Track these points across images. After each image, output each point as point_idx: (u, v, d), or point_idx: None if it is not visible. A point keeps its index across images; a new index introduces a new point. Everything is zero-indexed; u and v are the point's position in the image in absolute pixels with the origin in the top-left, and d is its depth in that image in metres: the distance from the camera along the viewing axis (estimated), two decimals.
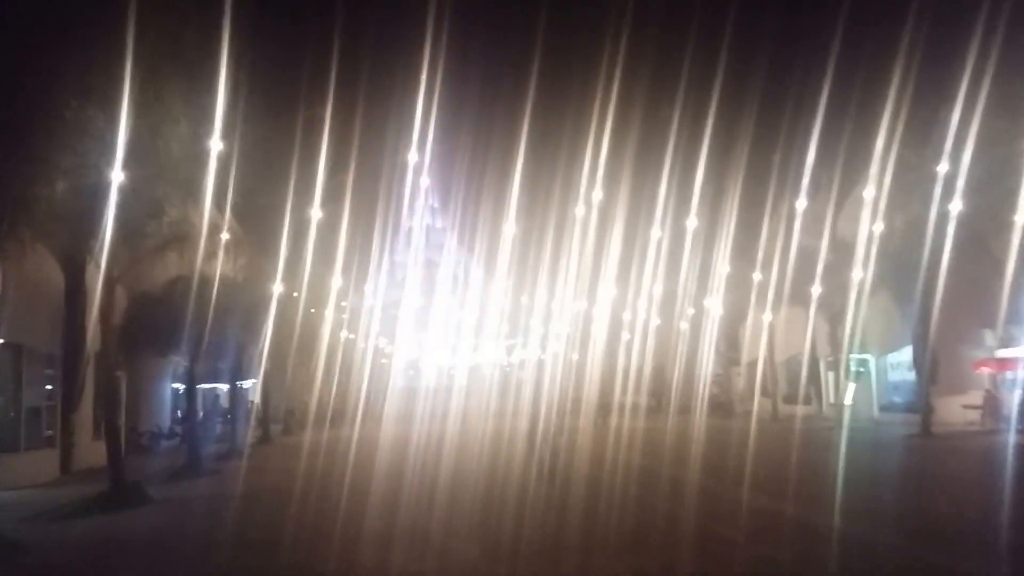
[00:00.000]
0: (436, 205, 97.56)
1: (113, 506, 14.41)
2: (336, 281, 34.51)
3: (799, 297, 31.65)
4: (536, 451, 18.51)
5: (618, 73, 26.82)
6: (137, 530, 13.18)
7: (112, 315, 16.15)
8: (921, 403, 25.57)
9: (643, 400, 40.03)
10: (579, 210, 30.94)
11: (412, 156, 23.95)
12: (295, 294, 31.46)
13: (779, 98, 27.38)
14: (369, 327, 44.49)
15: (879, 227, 26.15)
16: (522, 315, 51.08)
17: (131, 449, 25.96)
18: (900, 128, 23.63)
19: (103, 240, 15.93)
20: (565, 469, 17.72)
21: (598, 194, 30.49)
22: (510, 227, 39.07)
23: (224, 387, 30.84)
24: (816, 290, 29.89)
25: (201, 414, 34.00)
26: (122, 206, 14.93)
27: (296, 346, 32.17)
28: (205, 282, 21.99)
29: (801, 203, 29.05)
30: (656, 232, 34.44)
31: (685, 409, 37.71)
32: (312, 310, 32.06)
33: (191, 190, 17.47)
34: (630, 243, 35.67)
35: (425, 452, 23.10)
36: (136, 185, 15.02)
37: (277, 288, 27.37)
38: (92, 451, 22.02)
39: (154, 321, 21.64)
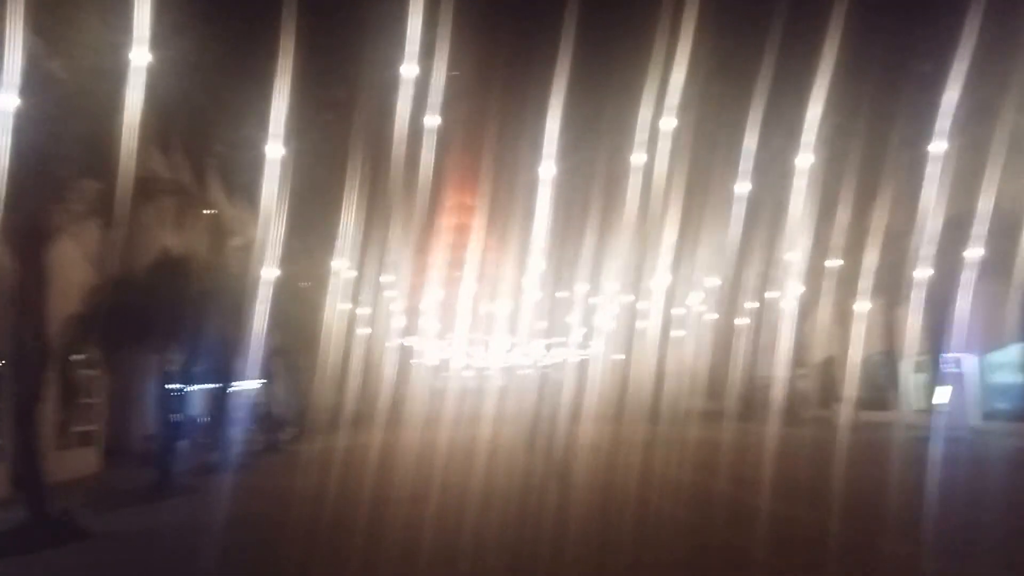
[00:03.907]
0: (470, 202, 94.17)
1: (24, 546, 10.81)
2: (355, 269, 31.16)
3: (878, 286, 27.54)
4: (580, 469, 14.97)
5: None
6: None
7: (33, 297, 12.47)
8: None
9: (697, 405, 35.95)
10: (628, 179, 26.68)
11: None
12: (305, 284, 28.13)
13: (870, 28, 22.76)
14: (392, 320, 41.02)
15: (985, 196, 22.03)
16: (561, 311, 47.28)
17: (116, 461, 22.62)
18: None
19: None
20: (623, 498, 14.15)
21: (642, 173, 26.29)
22: (546, 214, 35.27)
23: (232, 387, 27.42)
24: (906, 277, 25.64)
25: (208, 418, 30.66)
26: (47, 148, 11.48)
27: (310, 341, 28.79)
28: (194, 262, 18.71)
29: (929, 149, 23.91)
30: (711, 212, 30.44)
31: (745, 416, 33.75)
32: (327, 299, 28.50)
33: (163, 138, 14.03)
34: (684, 227, 31.60)
35: (455, 468, 19.55)
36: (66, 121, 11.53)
37: (284, 272, 24.01)
38: (58, 462, 18.61)
39: (132, 309, 18.02)
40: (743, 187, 27.50)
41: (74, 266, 19.06)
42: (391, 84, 18.69)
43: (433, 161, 25.03)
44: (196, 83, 19.33)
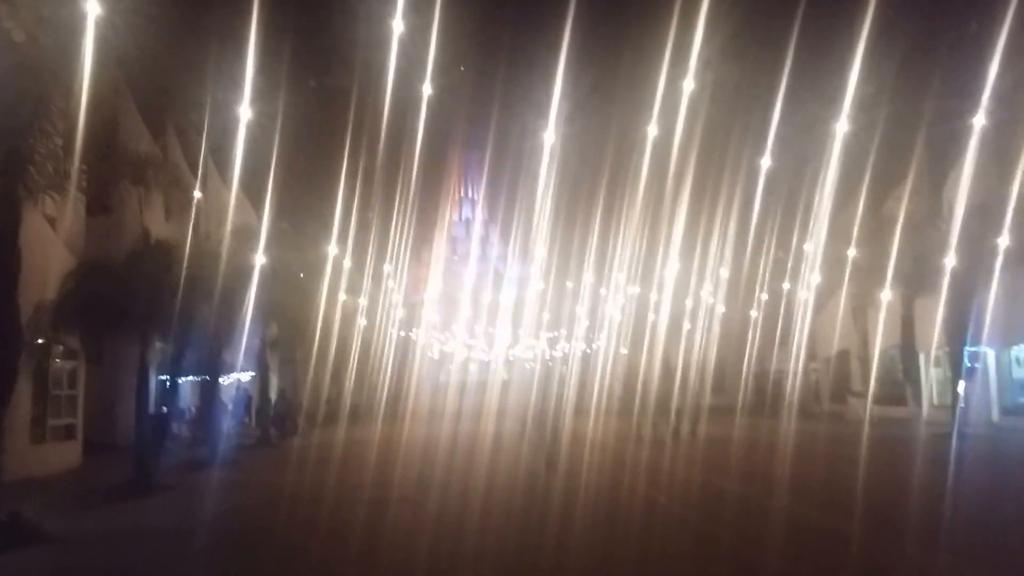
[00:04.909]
0: (476, 198, 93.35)
1: None
2: (355, 257, 30.30)
3: (896, 277, 26.44)
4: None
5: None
6: None
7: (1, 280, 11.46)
8: None
9: (705, 399, 34.98)
10: (634, 176, 25.77)
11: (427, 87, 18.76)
12: (302, 273, 27.20)
13: None
14: (394, 312, 40.09)
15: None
16: (566, 304, 46.32)
17: (98, 455, 21.68)
18: None
19: None
20: (628, 497, 13.35)
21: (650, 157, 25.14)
22: (551, 205, 34.36)
23: (223, 378, 26.50)
24: (925, 268, 24.54)
25: (196, 410, 29.80)
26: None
27: (306, 333, 27.88)
28: (179, 246, 17.70)
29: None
30: (723, 201, 29.44)
31: (756, 411, 32.79)
32: (325, 289, 27.56)
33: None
34: (691, 216, 30.63)
35: (454, 465, 18.61)
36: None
37: (279, 260, 23.07)
38: (32, 457, 17.74)
39: (111, 295, 16.98)
40: (757, 176, 26.53)
41: (49, 249, 18.12)
42: (398, 70, 17.66)
43: (439, 148, 24.18)
44: (186, 55, 18.38)
